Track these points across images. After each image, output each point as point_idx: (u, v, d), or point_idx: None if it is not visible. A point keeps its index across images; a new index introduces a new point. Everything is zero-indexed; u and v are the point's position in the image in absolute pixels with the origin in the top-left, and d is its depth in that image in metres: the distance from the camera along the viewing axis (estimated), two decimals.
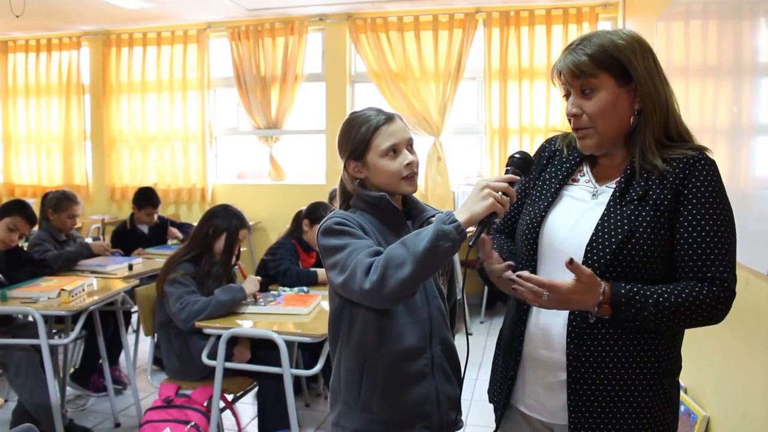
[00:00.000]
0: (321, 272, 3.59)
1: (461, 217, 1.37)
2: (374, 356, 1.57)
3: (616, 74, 1.38)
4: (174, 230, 5.09)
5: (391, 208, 1.61)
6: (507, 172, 1.46)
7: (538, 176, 1.60)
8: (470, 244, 1.42)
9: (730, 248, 1.35)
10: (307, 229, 3.81)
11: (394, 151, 1.59)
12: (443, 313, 1.65)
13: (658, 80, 1.41)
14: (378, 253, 1.45)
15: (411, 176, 1.61)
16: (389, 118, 1.62)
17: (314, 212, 3.79)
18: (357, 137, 1.61)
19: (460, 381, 1.69)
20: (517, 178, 1.44)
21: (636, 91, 1.40)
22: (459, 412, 1.69)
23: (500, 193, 1.38)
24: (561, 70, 1.43)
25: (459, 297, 4.62)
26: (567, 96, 1.46)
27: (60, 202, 4.13)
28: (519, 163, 1.47)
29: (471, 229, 1.39)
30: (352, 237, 1.52)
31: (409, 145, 1.62)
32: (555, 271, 1.42)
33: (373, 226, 1.60)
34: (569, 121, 1.46)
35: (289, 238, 3.93)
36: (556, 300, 1.34)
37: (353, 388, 1.61)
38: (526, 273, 1.40)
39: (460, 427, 1.71)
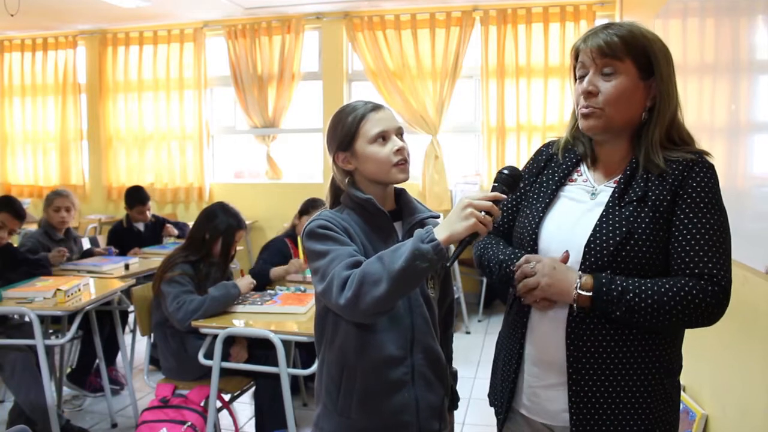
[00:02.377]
0: (273, 271, 3.66)
1: (441, 235, 1.33)
2: (354, 363, 1.55)
3: (640, 65, 1.37)
4: (170, 227, 5.09)
5: (377, 211, 1.57)
6: (494, 188, 1.42)
7: (535, 179, 1.58)
8: (448, 264, 1.39)
9: (722, 248, 1.34)
10: (297, 222, 3.86)
11: (383, 138, 1.55)
12: (427, 320, 1.59)
13: (672, 81, 1.40)
14: (358, 264, 1.41)
15: (402, 163, 1.56)
16: (376, 107, 1.59)
17: (303, 205, 3.85)
18: (344, 127, 1.57)
19: (445, 389, 1.66)
20: (503, 196, 1.39)
21: (651, 88, 1.39)
22: (443, 420, 1.66)
23: (483, 212, 1.33)
24: (590, 46, 1.38)
25: (456, 296, 4.62)
26: (581, 78, 1.42)
27: (48, 198, 4.22)
28: (506, 180, 1.42)
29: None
30: (335, 242, 1.48)
31: (398, 133, 1.59)
32: None
33: (359, 227, 1.56)
34: (577, 103, 1.43)
35: (282, 236, 3.94)
36: (542, 269, 1.39)
37: (332, 392, 1.59)
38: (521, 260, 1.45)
39: None
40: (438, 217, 1.61)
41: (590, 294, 1.34)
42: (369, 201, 1.56)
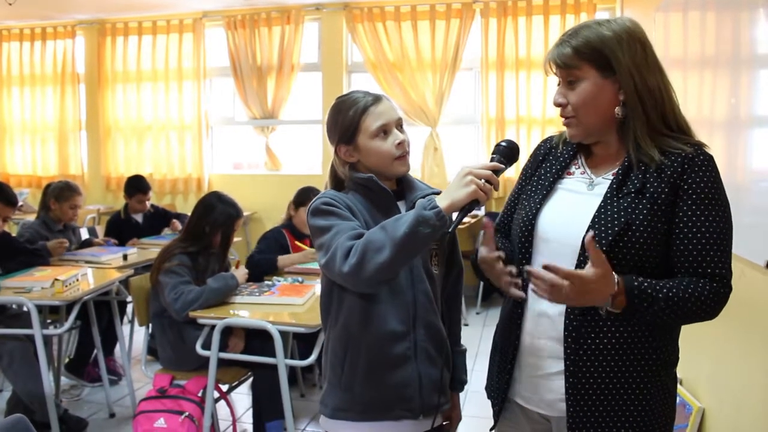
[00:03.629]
0: (282, 259, 3.61)
1: (443, 203, 1.37)
2: (358, 338, 1.58)
3: (599, 66, 1.39)
4: (176, 222, 5.04)
5: (379, 188, 1.60)
6: (492, 160, 1.46)
7: (533, 173, 1.59)
8: (449, 230, 1.42)
9: (727, 244, 1.35)
10: (294, 213, 3.82)
11: (384, 131, 1.59)
12: (430, 297, 1.62)
13: (647, 70, 1.39)
14: (361, 236, 1.44)
15: (403, 156, 1.61)
16: (377, 99, 1.61)
17: (298, 197, 3.82)
18: (346, 120, 1.60)
19: (446, 364, 1.68)
20: (502, 166, 1.44)
21: (616, 86, 1.39)
22: (444, 394, 1.68)
23: (483, 180, 1.37)
24: (549, 61, 1.46)
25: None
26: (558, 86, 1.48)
27: (63, 192, 4.13)
28: (504, 152, 1.47)
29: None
30: (338, 218, 1.52)
31: (398, 125, 1.62)
32: None
33: (362, 206, 1.60)
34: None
35: (279, 227, 3.93)
36: (575, 291, 1.26)
37: (337, 367, 1.62)
38: (551, 264, 1.29)
39: (444, 410, 1.70)
40: (439, 193, 1.62)
41: (620, 311, 1.32)
42: (371, 179, 1.59)
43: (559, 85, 1.47)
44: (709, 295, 1.32)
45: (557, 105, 1.46)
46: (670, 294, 1.31)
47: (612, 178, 1.43)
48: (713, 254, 1.33)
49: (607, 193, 1.41)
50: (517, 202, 1.61)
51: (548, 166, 1.56)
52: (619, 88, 1.39)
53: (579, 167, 1.52)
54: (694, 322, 1.37)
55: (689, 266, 1.34)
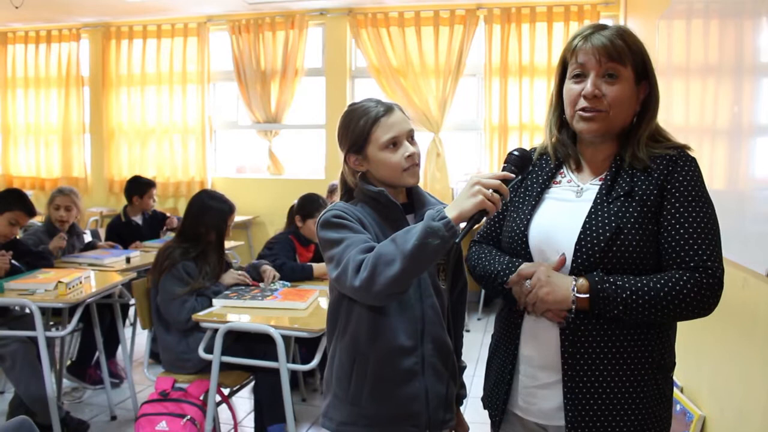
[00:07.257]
0: (317, 266, 3.60)
1: (451, 213, 1.37)
2: (365, 352, 1.57)
3: (637, 69, 1.41)
4: (174, 218, 5.07)
5: (389, 202, 1.60)
6: (504, 169, 1.45)
7: (519, 185, 1.59)
8: (457, 240, 1.42)
9: (713, 238, 1.36)
10: (301, 225, 3.82)
11: (394, 143, 1.57)
12: (438, 311, 1.62)
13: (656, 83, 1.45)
14: (371, 249, 1.44)
15: (412, 167, 1.59)
16: (388, 109, 1.60)
17: (304, 207, 3.81)
18: (356, 130, 1.59)
19: (454, 380, 1.68)
20: (512, 175, 1.43)
21: (641, 92, 1.42)
22: (450, 410, 1.68)
23: (491, 190, 1.36)
24: (596, 46, 1.39)
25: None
26: (577, 77, 1.43)
27: (51, 195, 4.22)
28: (516, 161, 1.45)
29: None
30: (349, 231, 1.51)
31: (409, 136, 1.61)
32: None
33: (372, 219, 1.59)
34: (573, 104, 1.43)
35: (286, 233, 3.93)
36: (537, 282, 1.38)
37: (343, 381, 1.61)
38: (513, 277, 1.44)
39: (451, 426, 1.70)
40: None
41: (587, 296, 1.35)
42: (381, 193, 1.59)
43: (578, 76, 1.43)
44: (687, 285, 1.31)
45: (590, 96, 1.40)
46: (640, 285, 1.32)
47: (600, 183, 1.45)
48: (696, 248, 1.34)
49: (596, 197, 1.43)
50: (503, 213, 1.61)
51: (534, 177, 1.57)
52: (638, 96, 1.42)
53: (565, 176, 1.53)
54: (686, 317, 1.36)
55: (672, 262, 1.35)
